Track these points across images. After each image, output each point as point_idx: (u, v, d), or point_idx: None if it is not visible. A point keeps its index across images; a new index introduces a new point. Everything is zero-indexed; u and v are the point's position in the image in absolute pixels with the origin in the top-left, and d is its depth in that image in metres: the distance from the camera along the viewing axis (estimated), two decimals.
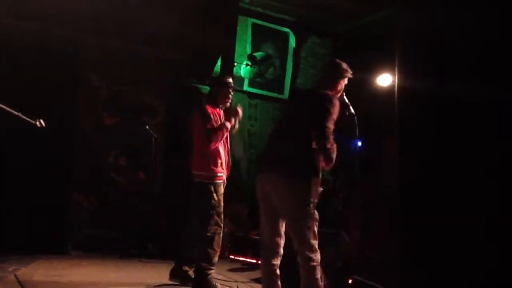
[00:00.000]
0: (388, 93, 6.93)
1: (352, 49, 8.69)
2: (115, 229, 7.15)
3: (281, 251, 3.40)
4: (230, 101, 4.73)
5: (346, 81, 3.66)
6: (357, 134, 4.02)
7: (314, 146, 3.25)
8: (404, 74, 2.98)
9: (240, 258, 6.66)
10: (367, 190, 6.27)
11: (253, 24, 8.58)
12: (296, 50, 9.13)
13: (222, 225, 4.56)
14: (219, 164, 4.51)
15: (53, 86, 6.33)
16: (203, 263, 4.36)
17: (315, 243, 3.25)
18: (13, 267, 4.95)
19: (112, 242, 6.94)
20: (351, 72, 3.64)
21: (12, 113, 3.65)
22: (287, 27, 8.95)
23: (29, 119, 3.82)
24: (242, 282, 4.98)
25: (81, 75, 7.13)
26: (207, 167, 4.46)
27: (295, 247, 3.26)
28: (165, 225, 7.18)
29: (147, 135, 6.88)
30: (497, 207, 2.50)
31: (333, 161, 3.27)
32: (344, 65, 3.63)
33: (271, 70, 8.85)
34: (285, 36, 8.97)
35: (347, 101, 3.87)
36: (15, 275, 4.62)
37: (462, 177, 2.66)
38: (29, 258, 5.46)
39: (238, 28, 8.25)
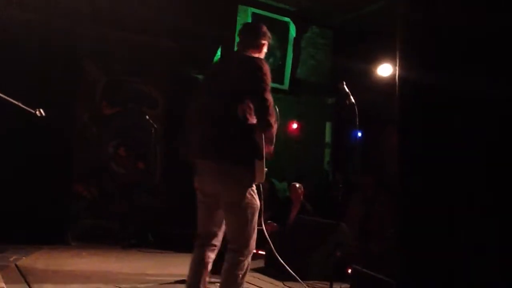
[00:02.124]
0: (388, 83, 6.92)
1: (352, 39, 8.68)
2: (115, 219, 7.17)
3: (218, 243, 3.08)
4: None
5: (267, 46, 3.31)
6: (357, 123, 4.00)
7: (250, 122, 2.90)
8: (405, 63, 2.95)
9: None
10: (367, 181, 6.29)
11: (253, 14, 8.54)
12: (297, 40, 9.10)
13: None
14: None
15: (51, 76, 6.31)
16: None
17: (252, 236, 2.93)
18: (14, 257, 4.97)
19: (112, 232, 6.96)
20: (270, 36, 3.30)
21: (12, 102, 3.64)
22: (287, 17, 8.91)
23: (29, 109, 3.81)
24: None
25: (79, 66, 7.11)
26: None
27: (228, 236, 2.97)
28: (164, 215, 7.19)
29: (146, 125, 6.88)
30: (499, 200, 2.48)
31: (274, 140, 2.98)
32: (264, 27, 3.29)
33: (271, 60, 8.81)
34: (286, 26, 8.93)
35: (347, 90, 3.85)
36: (16, 265, 4.65)
37: (464, 169, 2.64)
38: (30, 248, 5.47)
39: (238, 17, 8.22)
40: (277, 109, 4.34)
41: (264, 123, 2.90)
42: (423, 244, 2.78)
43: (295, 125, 9.48)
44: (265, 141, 2.96)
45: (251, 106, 2.92)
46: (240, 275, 2.90)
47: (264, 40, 3.24)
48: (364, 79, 7.35)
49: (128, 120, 7.53)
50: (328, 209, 6.28)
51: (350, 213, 6.08)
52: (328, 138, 10.03)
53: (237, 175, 2.88)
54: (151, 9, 6.99)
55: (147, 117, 6.87)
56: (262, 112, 2.89)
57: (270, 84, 2.97)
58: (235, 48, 3.41)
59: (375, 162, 7.81)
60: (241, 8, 8.33)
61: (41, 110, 3.92)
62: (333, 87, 8.57)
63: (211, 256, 3.06)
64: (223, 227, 3.09)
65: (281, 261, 3.72)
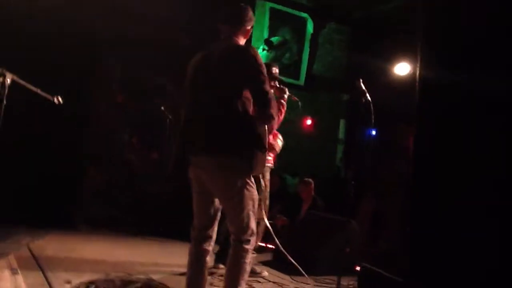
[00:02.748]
0: (404, 82, 6.88)
1: (370, 37, 8.63)
2: (125, 207, 7.24)
3: (214, 235, 3.07)
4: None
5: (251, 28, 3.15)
6: (373, 121, 3.98)
7: (251, 114, 2.85)
8: (426, 63, 2.92)
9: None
10: (380, 179, 6.27)
11: (271, 9, 8.54)
12: (314, 36, 9.07)
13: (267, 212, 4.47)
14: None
15: (70, 64, 6.38)
16: None
17: (253, 225, 2.91)
18: (27, 240, 5.04)
19: (122, 220, 7.03)
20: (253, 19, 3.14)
21: (31, 89, 3.69)
22: (305, 12, 8.88)
23: (47, 95, 3.86)
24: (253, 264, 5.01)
25: (97, 55, 7.17)
26: None
27: (229, 229, 2.95)
28: (175, 205, 7.24)
29: (160, 116, 6.92)
30: None
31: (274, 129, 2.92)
32: (250, 10, 3.12)
33: (287, 55, 8.81)
34: (303, 22, 8.91)
35: (363, 87, 3.83)
36: (29, 248, 4.71)
37: (482, 169, 2.62)
38: (42, 231, 5.55)
39: (255, 12, 8.22)
40: (300, 104, 4.29)
41: (266, 116, 2.86)
42: (434, 243, 2.78)
43: (309, 121, 9.48)
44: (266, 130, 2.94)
45: (249, 97, 2.86)
46: (246, 264, 2.89)
47: (250, 25, 3.09)
48: (380, 77, 7.31)
49: (143, 110, 7.59)
50: (340, 205, 6.28)
51: (361, 211, 6.07)
52: (341, 135, 10.01)
53: (235, 167, 2.85)
54: (168, 4, 7.01)
55: (162, 108, 6.91)
56: (264, 105, 2.83)
57: (266, 73, 2.89)
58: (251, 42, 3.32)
59: (387, 160, 7.78)
60: (259, 3, 8.33)
61: (59, 98, 3.97)
62: (348, 84, 8.56)
63: (208, 248, 3.05)
64: (218, 218, 3.09)
65: (288, 255, 3.73)
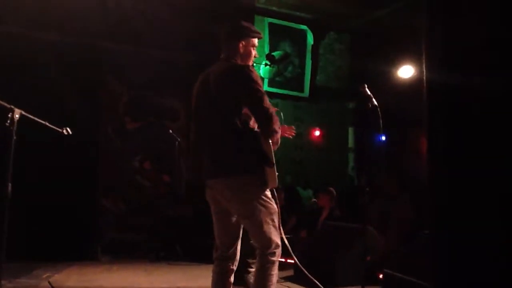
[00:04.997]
0: (409, 85, 6.87)
1: (370, 43, 8.65)
2: (142, 232, 7.23)
3: (237, 254, 3.08)
4: None
5: (255, 43, 3.08)
6: (381, 126, 3.95)
7: (253, 130, 2.87)
8: (432, 65, 2.90)
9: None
10: (393, 184, 6.22)
11: (270, 24, 8.59)
12: (315, 47, 9.11)
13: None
14: None
15: (75, 93, 6.44)
16: (250, 259, 4.35)
17: (275, 237, 2.90)
18: (47, 274, 5.04)
19: (139, 245, 7.02)
20: (258, 32, 3.09)
21: (39, 122, 3.71)
22: (304, 24, 8.93)
23: (55, 128, 3.88)
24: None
25: (102, 81, 7.24)
26: None
27: (254, 244, 2.95)
28: (192, 227, 7.22)
29: (170, 138, 6.93)
30: None
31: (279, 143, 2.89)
32: (246, 24, 3.07)
33: (290, 68, 8.84)
34: (303, 34, 8.96)
35: (369, 93, 3.82)
36: (49, 282, 4.71)
37: (498, 169, 2.59)
38: (60, 264, 5.55)
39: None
40: (282, 114, 4.28)
41: (270, 132, 2.85)
42: (461, 246, 2.74)
43: (317, 132, 9.47)
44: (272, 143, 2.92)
45: (250, 115, 2.87)
46: (273, 276, 2.89)
47: (246, 40, 3.02)
48: (384, 82, 7.31)
49: (152, 133, 7.62)
50: (356, 214, 6.24)
51: (377, 216, 6.02)
52: (351, 143, 9.98)
53: (246, 186, 2.86)
54: (167, 23, 7.08)
55: (171, 131, 6.92)
56: (267, 121, 2.84)
57: (263, 89, 2.89)
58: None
59: (398, 164, 7.74)
60: (257, 18, 8.38)
61: (68, 129, 3.99)
62: (353, 91, 8.55)
63: (231, 267, 3.06)
64: (239, 236, 3.09)
65: (304, 270, 3.70)
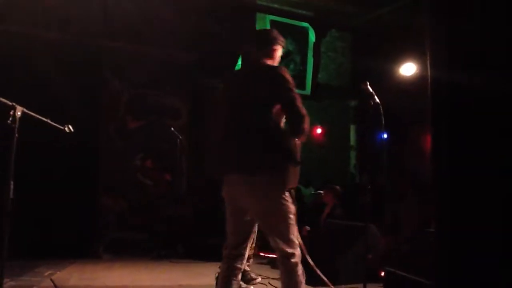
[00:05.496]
0: (412, 82, 6.86)
1: (371, 40, 8.62)
2: (144, 231, 7.24)
3: (246, 253, 3.09)
4: None
5: (281, 50, 3.26)
6: (383, 124, 3.95)
7: (282, 129, 2.95)
8: (436, 63, 2.89)
9: (270, 255, 6.67)
10: (395, 181, 6.22)
11: (272, 21, 8.57)
12: (316, 45, 9.09)
13: None
14: None
15: (76, 92, 6.44)
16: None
17: (293, 236, 2.92)
18: (49, 272, 5.05)
19: (141, 244, 7.03)
20: (282, 40, 3.25)
21: (41, 120, 3.71)
22: (306, 22, 8.91)
23: (58, 125, 3.87)
24: (273, 278, 4.97)
25: (103, 80, 7.25)
26: None
27: (272, 245, 2.95)
28: (193, 225, 7.23)
29: (171, 137, 6.93)
30: None
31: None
32: (275, 32, 3.26)
33: (291, 66, 8.84)
34: (305, 31, 8.94)
35: (371, 90, 3.81)
36: (51, 280, 4.71)
37: (502, 168, 2.58)
38: (63, 262, 5.56)
39: (256, 25, 8.25)
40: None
41: (300, 131, 2.91)
42: (464, 245, 2.73)
43: (319, 130, 9.45)
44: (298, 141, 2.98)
45: (279, 114, 2.94)
46: (300, 277, 2.90)
47: (276, 46, 3.20)
48: (386, 80, 7.29)
49: (153, 132, 7.61)
50: (358, 212, 6.23)
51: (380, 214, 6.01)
52: (352, 141, 9.97)
53: (269, 182, 2.87)
54: (168, 22, 7.07)
55: (172, 129, 6.92)
56: (299, 120, 2.89)
57: (296, 90, 2.97)
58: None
59: (400, 162, 7.73)
60: (259, 16, 8.37)
61: (70, 126, 3.98)
62: (355, 89, 8.54)
63: (239, 266, 3.06)
64: (251, 236, 3.10)
65: (315, 267, 3.70)
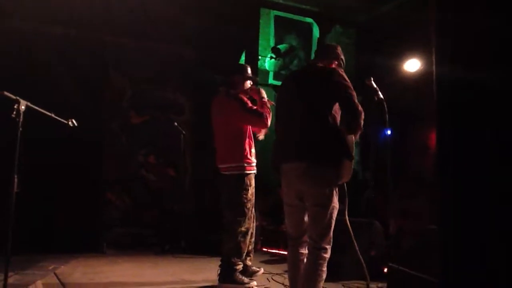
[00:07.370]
0: (417, 79, 6.83)
1: (376, 37, 8.58)
2: (147, 226, 7.27)
3: (306, 240, 3.26)
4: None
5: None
6: (387, 120, 3.94)
7: (339, 126, 3.15)
8: (442, 59, 2.87)
9: (272, 251, 6.68)
10: (400, 178, 6.20)
11: (276, 16, 8.54)
12: (320, 41, 9.05)
13: (254, 218, 4.54)
14: (252, 154, 4.45)
15: (79, 86, 6.46)
16: (234, 258, 4.32)
17: (331, 233, 3.14)
18: (53, 266, 5.08)
19: (144, 239, 7.05)
20: (342, 59, 3.62)
21: (45, 114, 3.72)
22: (310, 17, 8.87)
23: (61, 119, 3.88)
24: (276, 273, 4.98)
25: (105, 75, 7.25)
26: (242, 158, 4.33)
27: (310, 235, 3.15)
28: (197, 220, 7.24)
29: (175, 132, 6.93)
30: None
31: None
32: (338, 49, 3.60)
33: (295, 62, 8.80)
34: (309, 27, 8.90)
35: (375, 86, 3.81)
36: (55, 274, 4.74)
37: (507, 165, 2.56)
38: (67, 257, 5.59)
39: (260, 21, 8.23)
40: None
41: (357, 126, 3.10)
42: (468, 242, 2.72)
43: None
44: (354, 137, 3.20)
45: (338, 112, 3.15)
46: (323, 272, 3.07)
47: (336, 60, 3.50)
48: (390, 76, 7.27)
49: (157, 127, 7.62)
50: (360, 208, 6.22)
51: (383, 210, 6.00)
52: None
53: (325, 174, 3.06)
54: (172, 17, 7.06)
55: (176, 123, 6.92)
56: (356, 116, 3.08)
57: (352, 87, 3.20)
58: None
59: (403, 159, 7.70)
60: (263, 11, 8.34)
61: (73, 120, 4.00)
62: (359, 85, 8.50)
63: (304, 252, 3.24)
64: (306, 226, 3.26)
65: (361, 260, 3.81)
